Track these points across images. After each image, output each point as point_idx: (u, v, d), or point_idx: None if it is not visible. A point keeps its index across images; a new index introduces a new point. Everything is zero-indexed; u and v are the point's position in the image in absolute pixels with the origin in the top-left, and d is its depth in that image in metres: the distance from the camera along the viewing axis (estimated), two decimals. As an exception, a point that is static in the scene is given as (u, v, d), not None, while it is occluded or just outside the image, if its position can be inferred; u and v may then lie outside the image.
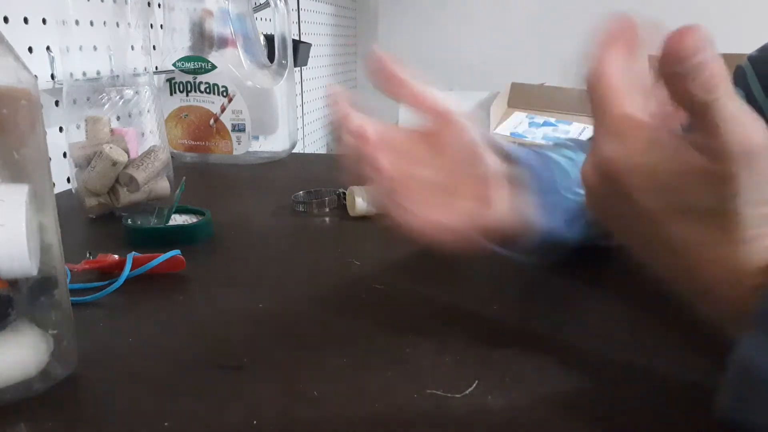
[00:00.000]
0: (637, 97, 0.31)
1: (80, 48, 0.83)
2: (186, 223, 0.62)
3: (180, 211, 0.64)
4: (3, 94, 0.31)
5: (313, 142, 2.05)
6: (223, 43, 0.96)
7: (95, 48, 0.85)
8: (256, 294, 0.48)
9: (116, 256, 0.51)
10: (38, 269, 0.32)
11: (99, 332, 0.42)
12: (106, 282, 0.48)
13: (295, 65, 1.26)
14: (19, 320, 0.33)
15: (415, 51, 2.40)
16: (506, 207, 0.40)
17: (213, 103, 0.98)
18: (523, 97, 1.92)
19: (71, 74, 0.77)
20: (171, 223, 0.62)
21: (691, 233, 0.29)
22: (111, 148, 0.65)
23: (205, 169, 0.98)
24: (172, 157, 0.73)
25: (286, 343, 0.40)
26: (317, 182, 0.80)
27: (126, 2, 0.69)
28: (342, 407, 0.33)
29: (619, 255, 0.36)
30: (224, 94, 0.97)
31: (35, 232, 0.33)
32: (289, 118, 1.03)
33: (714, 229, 0.29)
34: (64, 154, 0.78)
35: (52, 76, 0.81)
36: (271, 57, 1.01)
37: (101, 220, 0.67)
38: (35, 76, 0.32)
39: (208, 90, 0.97)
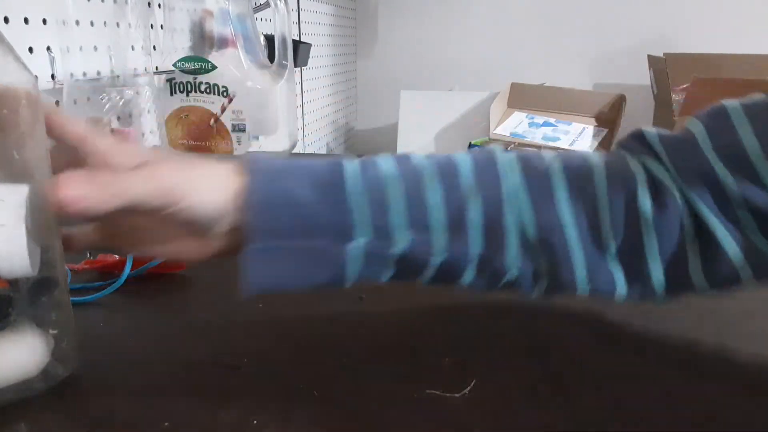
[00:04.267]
0: None
1: (80, 48, 0.83)
2: (186, 223, 0.62)
3: (180, 211, 0.64)
4: (3, 94, 0.31)
5: (313, 142, 2.05)
6: (223, 43, 0.96)
7: (95, 48, 0.85)
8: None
9: (116, 256, 0.51)
10: (38, 269, 0.32)
11: (99, 332, 0.42)
12: (107, 282, 0.48)
13: (295, 65, 1.26)
14: (19, 320, 0.33)
15: (415, 51, 2.40)
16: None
17: (213, 103, 0.98)
18: (523, 97, 1.92)
19: (71, 74, 0.77)
20: (171, 223, 0.62)
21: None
22: (111, 148, 0.65)
23: (206, 169, 0.97)
24: (172, 157, 0.73)
25: (285, 342, 0.40)
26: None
27: (126, 2, 0.70)
28: (341, 407, 0.33)
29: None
30: (224, 94, 0.97)
31: (35, 232, 0.33)
32: (289, 119, 1.03)
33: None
34: (65, 155, 0.78)
35: (53, 77, 0.81)
36: (271, 57, 1.01)
37: (101, 220, 0.67)
38: (36, 76, 0.32)
39: (208, 90, 0.97)
